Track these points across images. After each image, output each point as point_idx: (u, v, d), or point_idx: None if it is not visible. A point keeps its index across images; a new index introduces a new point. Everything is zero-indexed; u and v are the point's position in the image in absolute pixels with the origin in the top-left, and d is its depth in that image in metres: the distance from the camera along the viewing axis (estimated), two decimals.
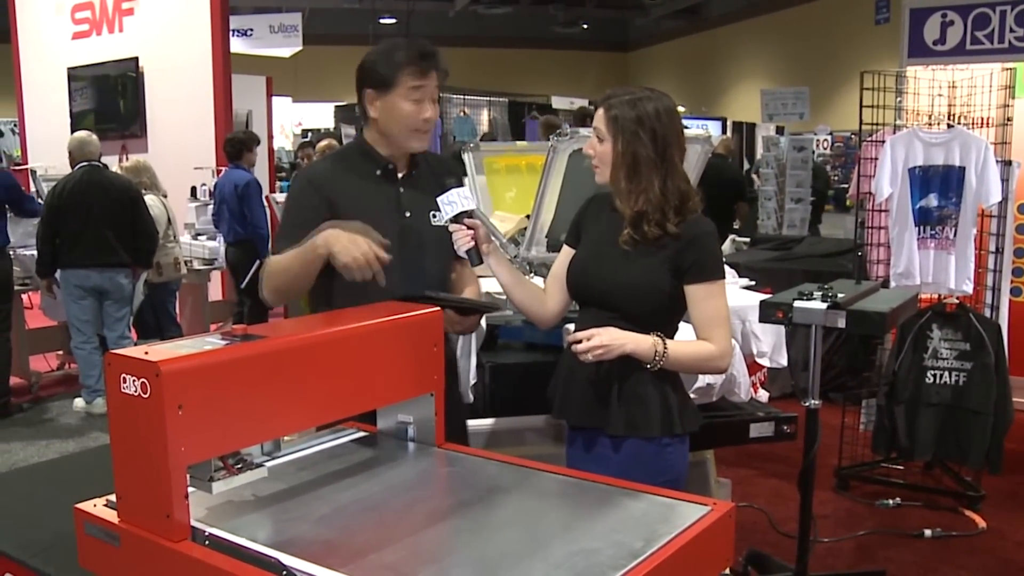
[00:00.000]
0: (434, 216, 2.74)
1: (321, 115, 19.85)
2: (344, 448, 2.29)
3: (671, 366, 2.51)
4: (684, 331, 2.63)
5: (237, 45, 12.58)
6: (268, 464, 2.00)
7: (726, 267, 4.32)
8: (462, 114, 14.21)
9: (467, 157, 4.18)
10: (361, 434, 2.37)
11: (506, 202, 4.23)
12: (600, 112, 2.58)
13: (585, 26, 26.99)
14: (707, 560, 1.85)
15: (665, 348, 2.48)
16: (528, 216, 3.77)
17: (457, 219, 2.61)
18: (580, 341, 2.45)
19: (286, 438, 2.21)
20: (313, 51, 17.96)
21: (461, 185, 2.64)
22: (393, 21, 24.59)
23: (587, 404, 2.62)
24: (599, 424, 2.60)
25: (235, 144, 7.96)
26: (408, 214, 2.79)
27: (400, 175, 2.83)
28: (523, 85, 23.28)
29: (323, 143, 8.64)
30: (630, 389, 2.55)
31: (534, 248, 3.66)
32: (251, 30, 14.24)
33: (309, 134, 15.72)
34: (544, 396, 2.78)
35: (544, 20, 25.67)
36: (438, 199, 2.62)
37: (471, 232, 2.60)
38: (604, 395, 2.58)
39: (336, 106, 19.30)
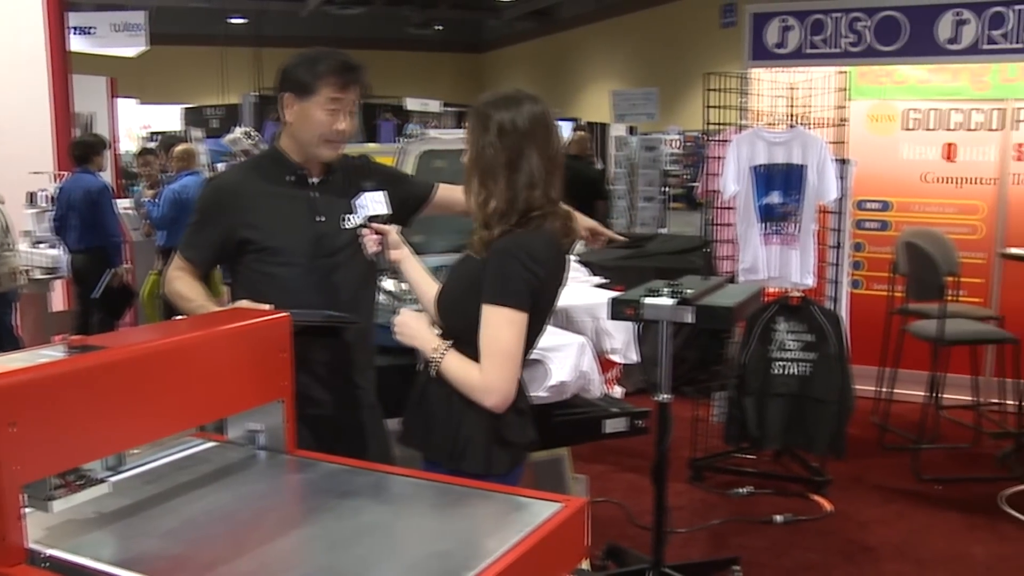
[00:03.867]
0: (344, 219, 2.75)
1: (170, 118, 19.28)
2: (192, 459, 2.23)
3: (445, 378, 2.40)
4: None
5: (77, 44, 12.09)
6: (111, 479, 1.93)
7: (580, 265, 4.40)
8: None
9: None
10: (210, 444, 2.32)
11: None
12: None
13: (439, 27, 27.03)
14: (560, 556, 1.86)
15: (442, 355, 2.40)
16: None
17: (368, 223, 2.61)
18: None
19: (132, 451, 2.14)
20: (160, 51, 17.46)
21: (378, 189, 2.65)
22: (243, 21, 24.15)
23: (408, 410, 2.59)
24: (405, 430, 2.59)
25: (83, 147, 7.65)
26: (322, 219, 2.80)
27: (314, 180, 2.84)
28: (376, 87, 22.97)
29: (180, 147, 8.35)
30: (427, 404, 2.48)
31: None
32: (93, 28, 13.71)
33: (158, 137, 15.27)
34: (397, 399, 2.76)
35: (397, 21, 25.61)
36: (353, 201, 2.65)
37: (378, 237, 2.59)
38: (413, 404, 2.54)
39: (185, 108, 18.78)
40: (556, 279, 2.48)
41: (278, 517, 1.96)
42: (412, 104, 18.53)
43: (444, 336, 2.46)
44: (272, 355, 2.19)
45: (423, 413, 2.48)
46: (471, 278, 2.40)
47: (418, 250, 3.67)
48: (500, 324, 2.33)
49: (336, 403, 2.85)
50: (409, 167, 3.52)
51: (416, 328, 2.46)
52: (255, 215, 2.77)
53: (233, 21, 24.31)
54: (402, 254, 2.64)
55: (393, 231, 2.63)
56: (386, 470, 2.19)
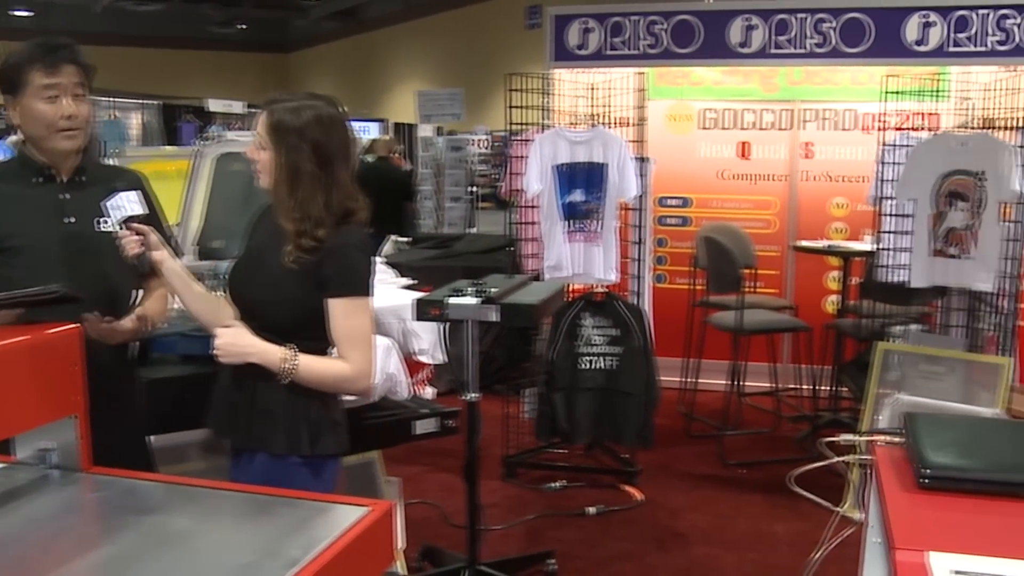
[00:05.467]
0: (99, 222, 2.64)
1: None
2: None
3: (303, 381, 2.43)
4: None
5: None
6: None
7: (388, 267, 4.39)
8: (111, 117, 13.45)
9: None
10: None
11: None
12: (262, 117, 2.47)
13: (242, 26, 26.41)
14: (368, 561, 1.85)
15: (295, 362, 2.41)
16: (177, 224, 3.65)
17: (126, 224, 2.50)
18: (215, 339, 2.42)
19: None
20: None
21: (131, 190, 2.56)
22: (29, 14, 22.94)
23: (226, 414, 2.56)
24: (231, 434, 2.57)
25: None
26: (72, 219, 2.68)
27: (64, 180, 2.71)
28: (178, 87, 22.47)
29: None
30: (263, 401, 2.48)
31: (184, 257, 3.53)
32: None
33: None
34: (203, 409, 2.69)
35: (199, 19, 24.88)
36: (105, 203, 2.53)
37: (139, 238, 2.49)
38: (240, 405, 2.51)
39: None
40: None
41: (73, 539, 1.87)
42: (214, 105, 17.88)
43: (269, 339, 2.45)
44: (62, 369, 2.09)
45: (260, 414, 2.48)
46: (292, 277, 2.42)
47: (217, 255, 3.60)
48: (356, 312, 2.43)
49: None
50: (206, 171, 3.41)
51: (249, 343, 2.42)
52: None
53: (17, 13, 23.04)
54: (164, 255, 2.56)
55: (153, 232, 2.54)
56: (187, 483, 2.12)
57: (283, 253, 2.43)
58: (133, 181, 2.79)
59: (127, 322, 2.69)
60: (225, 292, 2.69)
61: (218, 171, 3.39)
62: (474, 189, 11.02)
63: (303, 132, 2.39)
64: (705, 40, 6.17)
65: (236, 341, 2.41)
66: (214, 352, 2.41)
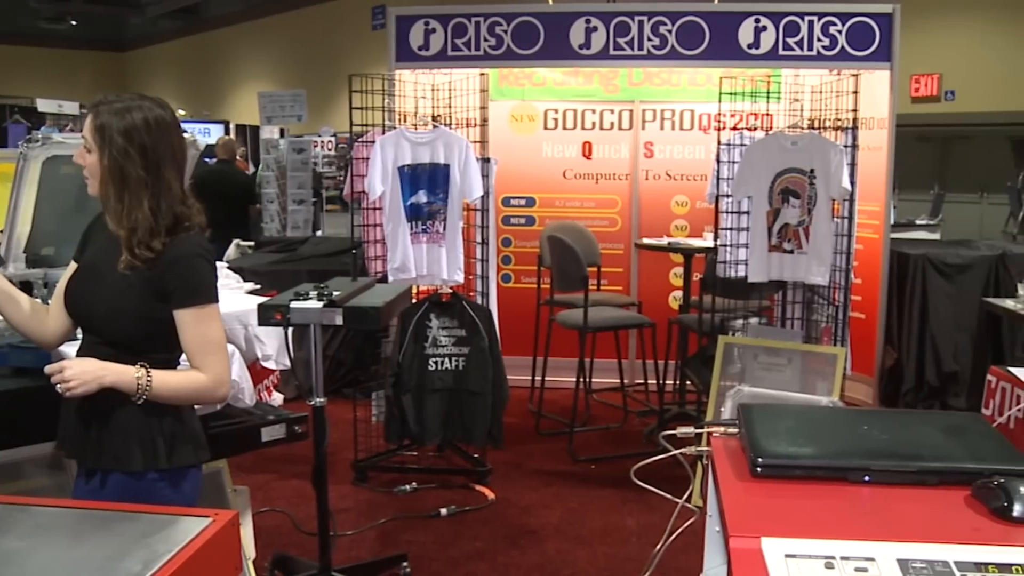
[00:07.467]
0: None
1: None
2: None
3: (159, 398, 2.36)
4: None
5: None
6: None
7: (231, 272, 4.29)
8: None
9: None
10: None
11: None
12: (88, 120, 2.37)
13: (74, 22, 25.36)
14: (214, 572, 1.81)
15: (149, 380, 2.34)
16: (2, 231, 3.49)
17: None
18: (59, 374, 2.27)
19: None
20: None
21: None
22: None
23: (77, 434, 2.45)
24: (85, 456, 2.47)
25: None
26: None
27: None
28: (3, 85, 21.49)
29: None
30: (116, 421, 2.39)
31: (12, 265, 3.38)
32: None
33: None
34: (40, 424, 2.58)
35: (26, 13, 23.73)
36: None
37: None
38: (91, 426, 2.42)
39: None
40: None
41: None
42: (45, 105, 17.08)
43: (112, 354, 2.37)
44: None
45: (113, 433, 2.40)
46: (132, 289, 2.35)
47: (48, 263, 3.46)
48: (206, 320, 2.39)
49: None
50: (33, 174, 3.27)
51: (99, 368, 2.31)
52: None
53: None
54: None
55: None
56: (18, 501, 2.02)
57: (119, 262, 2.36)
58: None
59: None
60: (51, 301, 2.58)
61: (47, 175, 3.25)
62: (321, 191, 10.86)
63: (129, 135, 2.32)
64: (546, 41, 6.26)
65: (86, 368, 2.30)
66: (61, 389, 2.27)
